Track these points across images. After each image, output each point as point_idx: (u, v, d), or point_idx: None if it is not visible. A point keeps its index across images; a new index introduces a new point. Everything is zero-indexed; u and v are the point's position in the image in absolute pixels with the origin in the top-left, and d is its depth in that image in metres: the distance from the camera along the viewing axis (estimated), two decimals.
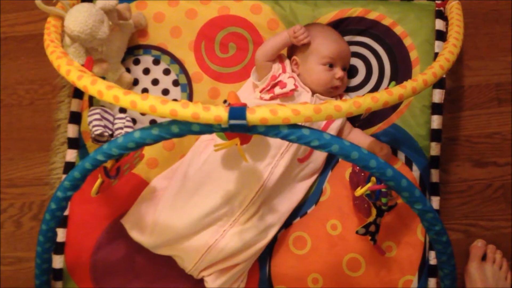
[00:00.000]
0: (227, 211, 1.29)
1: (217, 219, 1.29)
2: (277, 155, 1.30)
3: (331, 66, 1.35)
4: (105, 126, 1.32)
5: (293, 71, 1.38)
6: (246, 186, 1.28)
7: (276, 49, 1.35)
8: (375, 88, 1.44)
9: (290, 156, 1.30)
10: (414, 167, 1.40)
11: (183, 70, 1.45)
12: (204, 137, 1.37)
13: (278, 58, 1.39)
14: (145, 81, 1.45)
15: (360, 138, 1.38)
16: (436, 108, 1.41)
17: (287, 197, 1.36)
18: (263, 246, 1.33)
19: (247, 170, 1.29)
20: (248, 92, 1.42)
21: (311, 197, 1.41)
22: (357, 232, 1.25)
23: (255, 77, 1.39)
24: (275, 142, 1.29)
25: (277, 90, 1.32)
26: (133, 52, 1.46)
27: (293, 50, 1.41)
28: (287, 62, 1.39)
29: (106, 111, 1.36)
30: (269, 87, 1.34)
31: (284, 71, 1.36)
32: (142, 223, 1.33)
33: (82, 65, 1.13)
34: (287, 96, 1.32)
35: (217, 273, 1.33)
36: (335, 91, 1.37)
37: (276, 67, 1.37)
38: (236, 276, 1.34)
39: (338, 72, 1.35)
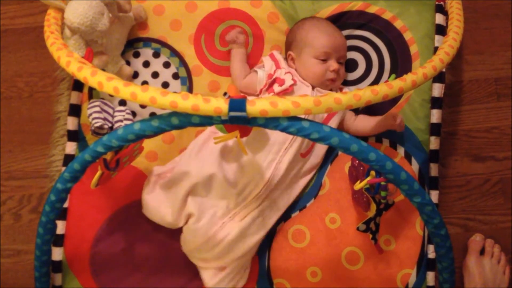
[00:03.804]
0: (229, 203, 1.29)
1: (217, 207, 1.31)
2: (281, 151, 1.30)
3: (323, 59, 1.34)
4: (104, 119, 1.32)
5: (290, 66, 1.39)
6: (251, 182, 1.29)
7: (240, 66, 1.40)
8: (375, 82, 1.44)
9: (294, 151, 1.30)
10: (413, 161, 1.40)
11: (183, 63, 1.45)
12: (207, 131, 1.38)
13: (269, 56, 1.40)
14: (145, 74, 1.45)
15: (367, 121, 1.38)
16: (435, 102, 1.41)
17: (287, 192, 1.36)
18: (260, 238, 1.33)
19: (252, 165, 1.29)
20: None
21: (310, 191, 1.42)
22: (358, 229, 1.25)
23: (251, 91, 1.40)
24: (278, 138, 1.29)
25: (276, 88, 1.32)
26: (133, 45, 1.45)
27: (288, 45, 1.41)
28: (280, 57, 1.39)
29: (105, 104, 1.35)
30: (267, 86, 1.34)
31: (278, 66, 1.36)
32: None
33: (82, 57, 1.13)
34: (287, 93, 1.32)
35: (215, 270, 1.33)
36: (332, 84, 1.37)
37: (269, 65, 1.37)
38: (235, 271, 1.34)
39: (333, 65, 1.34)
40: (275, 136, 1.29)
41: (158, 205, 1.32)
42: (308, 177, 1.40)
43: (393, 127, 1.32)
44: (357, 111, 1.42)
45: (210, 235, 1.29)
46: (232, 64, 1.42)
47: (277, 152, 1.30)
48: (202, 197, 1.31)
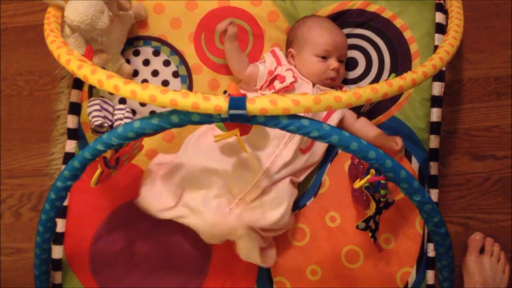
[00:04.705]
0: (231, 190, 1.29)
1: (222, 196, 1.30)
2: (280, 145, 1.30)
3: (324, 57, 1.35)
4: (104, 117, 1.32)
5: (289, 63, 1.39)
6: (250, 171, 1.29)
7: (238, 61, 1.38)
8: (375, 81, 1.45)
9: (293, 146, 1.30)
10: (413, 160, 1.40)
11: (183, 61, 1.45)
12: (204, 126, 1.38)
13: (270, 52, 1.40)
14: (145, 72, 1.45)
15: (367, 129, 1.39)
16: (435, 101, 1.41)
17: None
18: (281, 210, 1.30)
19: (250, 158, 1.29)
20: (247, 87, 1.42)
21: (310, 189, 1.42)
22: (357, 227, 1.25)
23: (252, 86, 1.40)
24: (276, 134, 1.29)
25: (277, 85, 1.32)
26: (133, 43, 1.45)
27: (289, 42, 1.41)
28: (281, 54, 1.39)
29: (105, 102, 1.35)
30: (267, 83, 1.34)
31: (279, 63, 1.36)
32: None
33: (82, 55, 1.13)
34: (288, 90, 1.32)
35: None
36: (331, 83, 1.37)
37: (270, 61, 1.37)
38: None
39: (333, 63, 1.34)
40: (274, 132, 1.29)
41: (158, 195, 1.31)
42: (308, 173, 1.39)
43: (392, 150, 1.35)
44: (359, 112, 1.41)
45: (218, 221, 1.26)
46: (229, 60, 1.41)
47: (276, 146, 1.30)
48: (202, 192, 1.30)
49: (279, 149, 1.30)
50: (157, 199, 1.30)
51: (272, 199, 1.29)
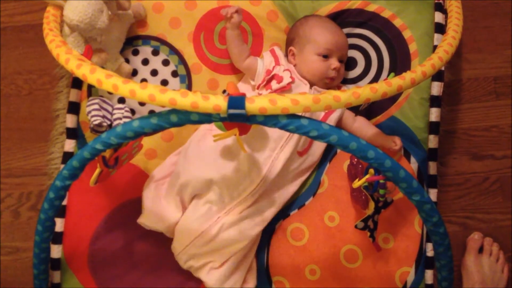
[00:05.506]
0: (223, 198, 1.29)
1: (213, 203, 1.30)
2: (277, 148, 1.30)
3: (325, 57, 1.35)
4: (103, 117, 1.32)
5: (289, 62, 1.39)
6: (247, 178, 1.29)
7: (239, 50, 1.38)
8: (374, 80, 1.45)
9: (290, 149, 1.30)
10: (412, 159, 1.40)
11: (182, 61, 1.45)
12: (203, 127, 1.37)
13: (269, 51, 1.40)
14: (144, 72, 1.45)
15: (366, 128, 1.39)
16: (434, 101, 1.41)
17: (284, 189, 1.36)
18: (255, 234, 1.33)
19: (248, 162, 1.29)
20: (247, 85, 1.42)
21: (309, 189, 1.42)
22: (356, 227, 1.26)
23: (249, 79, 1.40)
24: (273, 135, 1.29)
25: (274, 85, 1.32)
26: (132, 42, 1.45)
27: (290, 41, 1.41)
28: (280, 53, 1.39)
29: (105, 101, 1.35)
30: (265, 82, 1.34)
31: (277, 63, 1.36)
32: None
33: (81, 55, 1.12)
34: (285, 90, 1.32)
35: (209, 267, 1.33)
36: (331, 83, 1.37)
37: (268, 60, 1.37)
38: (233, 269, 1.33)
39: (334, 63, 1.35)
40: (271, 133, 1.29)
41: (164, 211, 1.32)
42: (306, 175, 1.40)
43: (391, 150, 1.35)
44: (357, 111, 1.41)
45: (204, 228, 1.29)
46: (229, 47, 1.40)
47: (273, 149, 1.30)
48: (197, 197, 1.32)
49: (276, 152, 1.30)
50: (165, 216, 1.32)
51: (255, 217, 1.32)
